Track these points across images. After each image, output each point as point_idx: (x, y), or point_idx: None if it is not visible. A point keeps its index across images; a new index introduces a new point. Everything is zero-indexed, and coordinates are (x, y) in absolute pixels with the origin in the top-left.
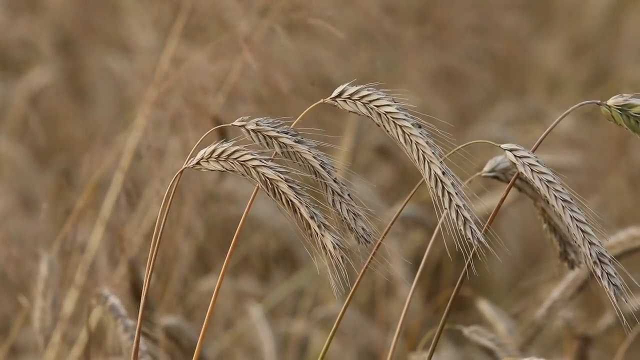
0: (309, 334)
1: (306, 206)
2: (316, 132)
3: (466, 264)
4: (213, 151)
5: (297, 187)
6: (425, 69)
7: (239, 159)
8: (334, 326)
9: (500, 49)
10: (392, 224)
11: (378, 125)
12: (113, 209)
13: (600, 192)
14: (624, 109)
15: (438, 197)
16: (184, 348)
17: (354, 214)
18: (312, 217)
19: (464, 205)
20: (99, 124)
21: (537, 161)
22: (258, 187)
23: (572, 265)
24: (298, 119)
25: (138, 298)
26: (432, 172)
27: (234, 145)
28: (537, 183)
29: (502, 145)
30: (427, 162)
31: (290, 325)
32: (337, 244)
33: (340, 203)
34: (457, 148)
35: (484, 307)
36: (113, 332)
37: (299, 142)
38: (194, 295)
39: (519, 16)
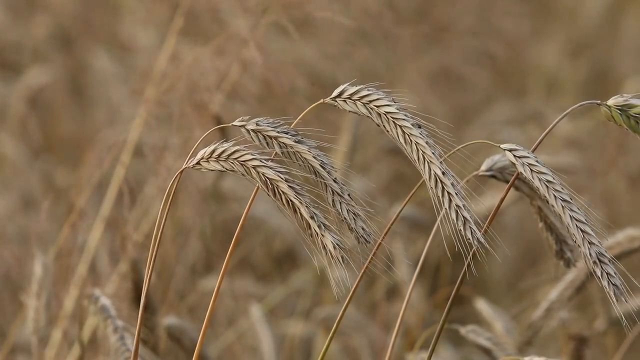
0: (311, 335)
1: (306, 206)
2: (316, 131)
3: (465, 264)
4: (213, 151)
5: (297, 187)
6: (424, 70)
7: (239, 159)
8: (334, 326)
9: (499, 50)
10: (391, 224)
11: (378, 126)
12: (113, 207)
13: (599, 192)
14: (624, 109)
15: (438, 197)
16: (186, 348)
17: (353, 214)
18: (312, 217)
19: (463, 205)
20: (98, 122)
21: (537, 161)
22: (258, 187)
23: (568, 264)
24: (298, 119)
25: (139, 297)
26: (432, 172)
27: (234, 145)
28: (536, 183)
29: (501, 145)
30: (427, 162)
31: (290, 326)
32: (337, 244)
33: (340, 203)
34: (456, 148)
35: (482, 306)
36: (103, 334)
37: (299, 142)
38: (196, 294)
39: (518, 17)
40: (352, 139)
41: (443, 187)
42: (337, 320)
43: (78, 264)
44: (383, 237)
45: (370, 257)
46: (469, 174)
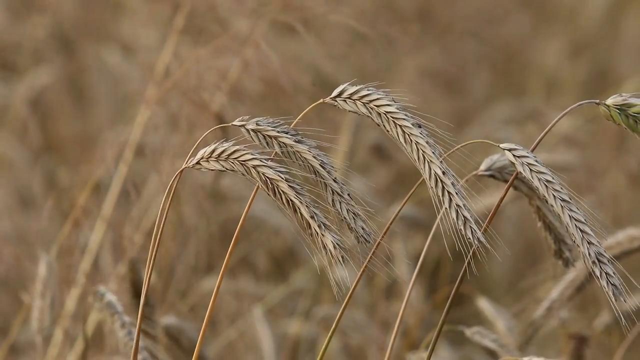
0: (311, 334)
1: (306, 206)
2: (316, 131)
3: (466, 263)
4: (213, 151)
5: (297, 186)
6: (424, 69)
7: (239, 159)
8: (333, 325)
9: (500, 49)
10: (391, 224)
11: (378, 125)
12: (114, 206)
13: (598, 192)
14: (622, 108)
15: (438, 196)
16: (184, 347)
17: (353, 213)
18: (312, 217)
19: (464, 204)
20: (98, 123)
21: (536, 161)
22: (258, 186)
23: (566, 264)
24: (298, 118)
25: (138, 297)
26: (432, 172)
27: (234, 144)
28: (535, 183)
29: (501, 145)
30: (427, 161)
31: (289, 325)
32: (337, 244)
33: (340, 203)
34: (456, 147)
35: (484, 304)
36: (110, 329)
37: (298, 141)
38: (196, 294)
39: (518, 16)
40: (352, 139)
41: (443, 187)
42: (336, 320)
43: (79, 263)
44: (382, 237)
45: (369, 256)
46: (468, 173)
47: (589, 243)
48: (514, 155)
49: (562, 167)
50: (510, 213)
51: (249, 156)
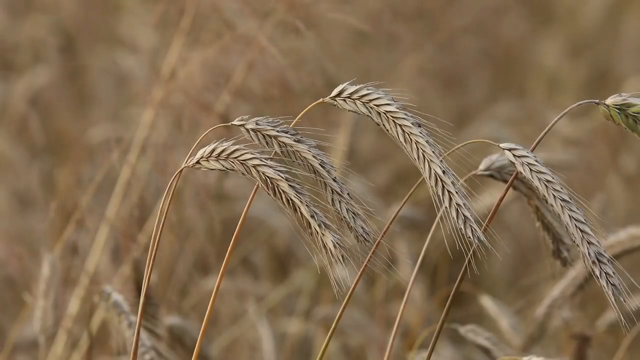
0: (310, 334)
1: (306, 205)
2: (316, 130)
3: (466, 262)
4: (213, 150)
5: (297, 186)
6: (424, 69)
7: (239, 158)
8: (333, 325)
9: (499, 49)
10: (390, 223)
11: (378, 125)
12: (119, 207)
13: (597, 191)
14: (622, 108)
15: (438, 195)
16: (187, 347)
17: (353, 213)
18: (312, 216)
19: (464, 204)
20: (98, 123)
21: (536, 160)
22: (257, 186)
23: (564, 263)
24: (298, 118)
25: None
26: (432, 171)
27: (234, 144)
28: (535, 182)
29: (501, 145)
30: (427, 161)
31: (289, 325)
32: (337, 243)
33: (339, 202)
34: (456, 147)
35: (487, 302)
36: (117, 329)
37: (298, 141)
38: (198, 294)
39: (518, 16)
40: (352, 139)
41: (443, 186)
42: (336, 319)
43: (83, 263)
44: (382, 236)
45: (369, 255)
46: (467, 173)
47: (589, 243)
48: (514, 155)
49: (562, 167)
50: (509, 213)
51: (249, 155)
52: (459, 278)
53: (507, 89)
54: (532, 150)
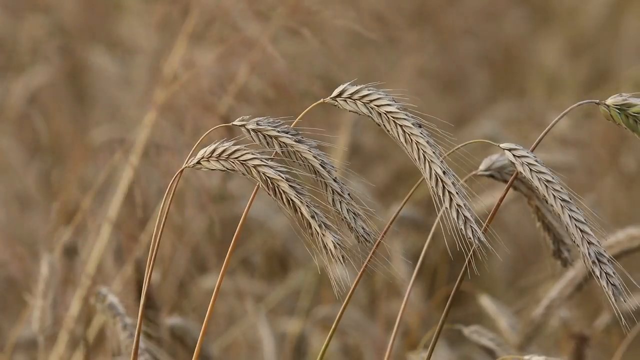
0: (307, 333)
1: (307, 205)
2: (316, 131)
3: (466, 263)
4: (214, 150)
5: (297, 186)
6: (424, 69)
7: (240, 158)
8: (333, 325)
9: (499, 49)
10: (391, 223)
11: (378, 125)
12: (120, 208)
13: (597, 191)
14: (622, 108)
15: (438, 196)
16: (189, 347)
17: (353, 213)
18: (312, 217)
19: (464, 204)
20: (98, 123)
21: (536, 160)
22: (258, 186)
23: (565, 264)
24: (298, 118)
25: (145, 298)
26: (433, 172)
27: (234, 144)
28: (535, 182)
29: (501, 145)
30: (428, 161)
31: (288, 324)
32: (337, 243)
33: (340, 202)
34: (457, 147)
35: (486, 302)
36: (112, 331)
37: (299, 141)
38: (199, 294)
39: (518, 16)
40: (352, 139)
41: (444, 186)
42: (336, 320)
43: (83, 264)
44: (382, 236)
45: (369, 256)
46: (467, 173)
47: (589, 243)
48: (514, 155)
49: (562, 167)
50: (508, 213)
51: (249, 156)
52: (458, 278)
53: (507, 89)
54: (532, 151)
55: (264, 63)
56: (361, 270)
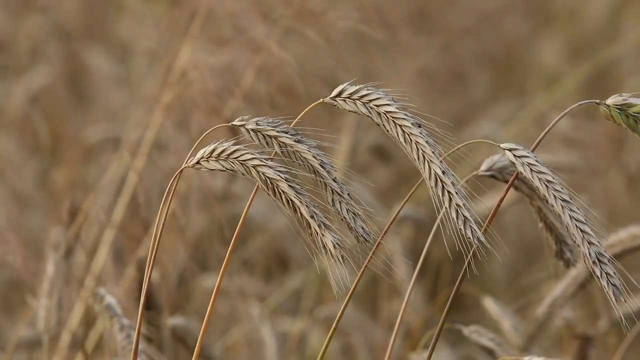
0: (306, 332)
1: (306, 205)
2: (316, 131)
3: (466, 263)
4: (213, 150)
5: (297, 186)
6: (424, 69)
7: (239, 158)
8: (334, 325)
9: (500, 50)
10: (391, 224)
11: (378, 125)
12: (124, 210)
13: (597, 192)
14: (623, 108)
15: (438, 196)
16: (191, 348)
17: (353, 213)
18: (312, 217)
19: (464, 204)
20: (97, 123)
21: (537, 161)
22: (257, 186)
23: (567, 264)
24: (298, 118)
25: (147, 299)
26: (432, 172)
27: (234, 144)
28: (536, 183)
29: (501, 145)
30: (427, 161)
31: (288, 324)
32: (337, 244)
33: (340, 202)
34: (457, 147)
35: (489, 304)
36: (109, 332)
37: (298, 141)
38: (200, 294)
39: (518, 17)
40: (352, 139)
41: (443, 186)
42: (336, 320)
43: (87, 264)
44: (382, 236)
45: (369, 256)
46: (468, 173)
47: (589, 243)
48: (514, 155)
49: (562, 168)
50: (509, 213)
51: (248, 156)
52: (459, 279)
53: (507, 89)
54: (532, 151)
55: (270, 66)
56: (361, 270)
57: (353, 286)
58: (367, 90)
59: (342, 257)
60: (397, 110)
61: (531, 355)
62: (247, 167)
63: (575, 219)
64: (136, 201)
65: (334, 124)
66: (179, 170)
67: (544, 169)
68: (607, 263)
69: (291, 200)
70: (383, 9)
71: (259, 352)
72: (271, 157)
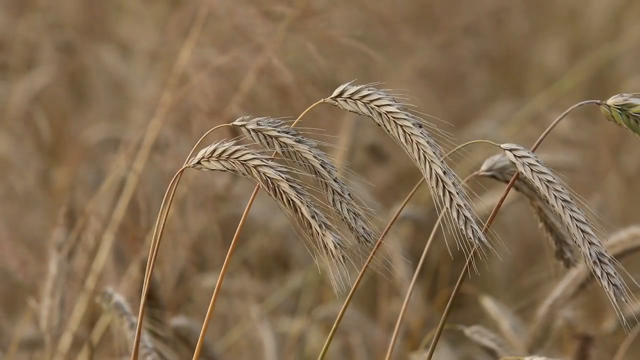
0: (305, 332)
1: (307, 205)
2: (316, 131)
3: (467, 263)
4: (214, 150)
5: (298, 186)
6: (424, 69)
7: (240, 159)
8: (334, 325)
9: (500, 50)
10: (391, 224)
11: (379, 125)
12: (126, 210)
13: (597, 192)
14: (623, 108)
15: (439, 196)
16: (193, 348)
17: (354, 213)
18: (313, 217)
19: (465, 204)
20: (97, 123)
21: (537, 161)
22: (258, 186)
23: (568, 264)
24: (298, 118)
25: (150, 298)
26: (433, 172)
27: (235, 144)
28: (536, 183)
29: (501, 145)
30: (428, 161)
31: (288, 324)
32: (338, 244)
33: (340, 202)
34: (457, 147)
35: (489, 304)
36: (118, 330)
37: (299, 141)
38: (202, 294)
39: (518, 16)
40: (352, 139)
41: (444, 187)
42: (336, 320)
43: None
44: (383, 237)
45: (370, 256)
46: (468, 173)
47: (590, 243)
48: (514, 156)
49: (563, 168)
50: (509, 213)
51: (249, 156)
52: (459, 279)
53: (507, 89)
54: (533, 151)
55: (271, 67)
56: (362, 270)
57: (354, 286)
58: (368, 90)
59: (343, 257)
60: (398, 111)
61: (532, 356)
62: (248, 167)
63: (576, 219)
64: (137, 202)
65: (335, 124)
66: (179, 171)
67: (544, 169)
68: (608, 263)
69: (292, 200)
70: (384, 8)
71: (259, 352)
72: (272, 157)
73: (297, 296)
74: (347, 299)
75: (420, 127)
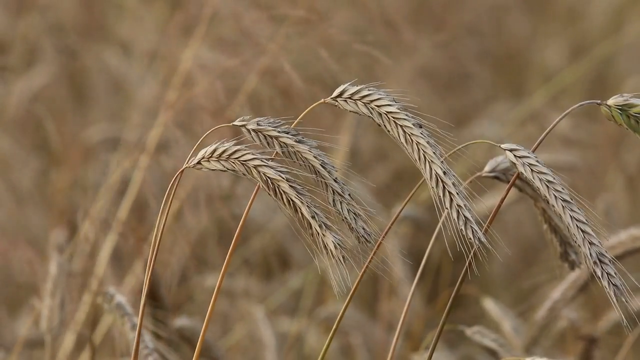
0: (304, 332)
1: (307, 206)
2: (318, 131)
3: (467, 264)
4: (214, 151)
5: (298, 186)
6: (424, 69)
7: (240, 159)
8: (334, 326)
9: (501, 49)
10: (392, 224)
11: (379, 125)
12: (127, 211)
13: (599, 192)
14: (624, 108)
15: (439, 197)
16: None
17: (354, 213)
18: (313, 217)
19: (465, 205)
20: (97, 123)
21: (537, 161)
22: (258, 186)
23: (572, 266)
24: (298, 118)
25: (154, 299)
26: (433, 172)
27: (235, 144)
28: (537, 183)
29: (502, 145)
30: (428, 162)
31: (288, 324)
32: (338, 244)
33: (340, 203)
34: (457, 148)
35: (489, 305)
36: (120, 331)
37: (299, 141)
38: (203, 294)
39: (519, 16)
40: (353, 139)
41: (444, 187)
42: (337, 320)
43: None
44: (383, 237)
45: (370, 256)
46: (469, 174)
47: (590, 243)
48: (515, 156)
49: (564, 168)
50: (509, 214)
51: (249, 156)
52: (459, 280)
53: (508, 89)
54: (533, 151)
55: (273, 68)
56: (362, 271)
57: (354, 286)
58: (369, 90)
59: (343, 257)
60: (398, 111)
61: (533, 356)
62: (248, 167)
63: (576, 219)
64: (139, 202)
65: (337, 124)
66: (180, 171)
67: (544, 169)
68: (608, 263)
69: (292, 200)
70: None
71: (259, 352)
72: (272, 157)
73: (297, 296)
74: (347, 299)
75: (421, 127)
